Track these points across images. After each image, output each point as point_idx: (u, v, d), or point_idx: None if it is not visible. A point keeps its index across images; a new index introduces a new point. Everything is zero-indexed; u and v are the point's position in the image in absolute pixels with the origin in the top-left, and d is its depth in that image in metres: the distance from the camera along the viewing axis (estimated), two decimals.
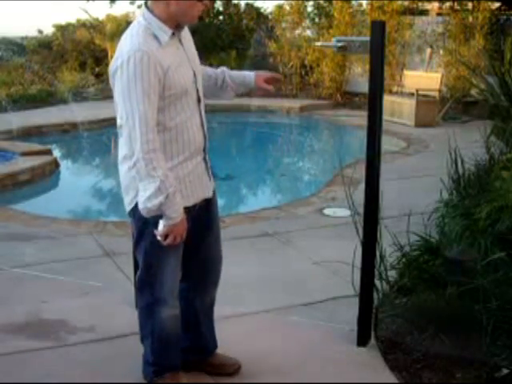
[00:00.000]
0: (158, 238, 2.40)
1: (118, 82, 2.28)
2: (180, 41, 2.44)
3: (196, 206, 2.56)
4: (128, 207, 2.51)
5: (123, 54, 2.27)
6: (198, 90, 2.48)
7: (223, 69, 2.79)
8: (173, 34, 2.37)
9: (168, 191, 2.29)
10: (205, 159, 2.57)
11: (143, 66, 2.23)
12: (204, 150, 2.56)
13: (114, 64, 2.31)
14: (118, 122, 2.42)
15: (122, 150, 2.47)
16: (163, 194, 2.28)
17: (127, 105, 2.26)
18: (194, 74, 2.47)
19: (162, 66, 2.28)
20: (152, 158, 2.27)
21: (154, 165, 2.27)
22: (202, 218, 2.64)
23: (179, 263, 2.60)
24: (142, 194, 2.32)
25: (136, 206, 2.42)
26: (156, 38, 2.32)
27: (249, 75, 2.74)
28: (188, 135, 2.44)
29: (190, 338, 2.82)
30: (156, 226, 2.41)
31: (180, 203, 2.36)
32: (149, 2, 2.39)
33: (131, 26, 2.40)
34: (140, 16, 2.40)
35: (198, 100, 2.49)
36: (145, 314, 2.65)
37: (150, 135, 2.26)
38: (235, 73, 2.77)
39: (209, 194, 2.62)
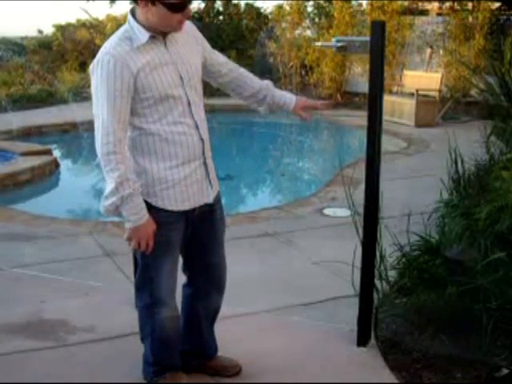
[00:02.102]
0: (126, 241, 2.41)
1: (91, 83, 2.34)
2: (165, 44, 2.42)
3: (195, 211, 2.54)
4: None
5: (96, 57, 2.33)
6: (187, 93, 2.44)
7: (269, 83, 2.75)
8: (153, 37, 2.36)
9: (123, 193, 2.29)
10: (205, 163, 2.54)
11: (109, 70, 2.27)
12: (203, 154, 2.53)
13: (90, 65, 2.37)
14: None
15: None
16: (118, 195, 2.29)
17: (94, 107, 2.32)
18: (181, 77, 2.42)
19: (131, 68, 2.29)
20: (110, 160, 2.29)
21: (111, 166, 2.29)
22: (205, 223, 2.62)
23: (176, 264, 2.60)
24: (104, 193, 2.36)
25: None
26: (130, 40, 2.34)
27: (290, 100, 2.72)
28: (180, 139, 2.42)
29: (191, 342, 2.82)
30: None
31: (140, 207, 2.34)
32: (136, 8, 2.38)
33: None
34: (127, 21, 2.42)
35: (189, 103, 2.45)
36: (144, 315, 2.65)
37: (111, 137, 2.28)
38: (278, 93, 2.74)
39: (209, 200, 2.58)
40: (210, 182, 2.58)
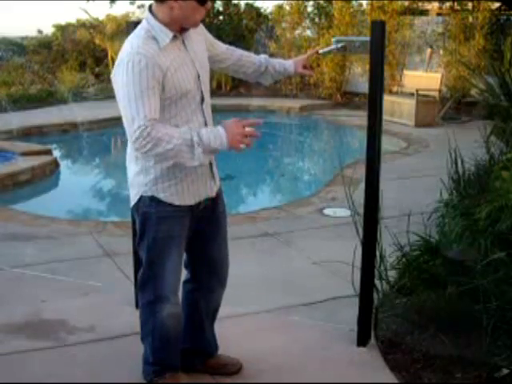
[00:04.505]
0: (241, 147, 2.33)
1: (119, 85, 2.31)
2: (183, 42, 2.46)
3: (200, 205, 2.57)
4: (132, 202, 2.55)
5: (123, 57, 2.31)
6: (202, 91, 2.49)
7: (266, 57, 2.89)
8: (174, 36, 2.39)
9: (192, 141, 2.26)
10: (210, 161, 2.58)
11: (141, 69, 2.26)
12: None
13: (115, 67, 2.35)
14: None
15: (129, 154, 2.53)
16: (193, 147, 2.27)
17: (126, 106, 2.29)
18: (198, 75, 2.47)
19: (161, 67, 2.30)
20: (155, 138, 2.23)
21: (163, 145, 2.24)
22: (208, 217, 2.65)
23: (181, 260, 2.61)
24: (188, 162, 2.31)
25: (139, 201, 2.48)
26: (156, 40, 2.35)
27: (289, 65, 2.86)
28: None
29: (193, 339, 2.83)
30: (159, 221, 2.45)
31: (207, 131, 2.31)
32: (153, 6, 2.41)
33: (136, 29, 2.43)
34: (144, 20, 2.43)
35: (202, 100, 2.49)
36: (146, 312, 2.65)
37: (148, 123, 2.24)
38: (276, 62, 2.88)
39: (212, 194, 2.62)
40: (213, 176, 2.62)
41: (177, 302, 2.63)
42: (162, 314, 2.57)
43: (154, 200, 2.45)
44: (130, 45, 2.33)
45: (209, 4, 2.41)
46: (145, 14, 2.43)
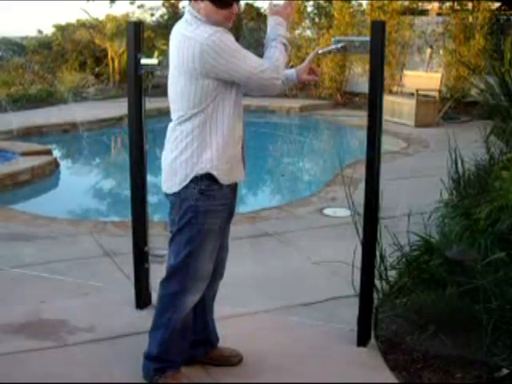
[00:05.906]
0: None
1: (214, 59, 2.41)
2: None
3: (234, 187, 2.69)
4: (175, 188, 2.58)
5: (202, 42, 2.41)
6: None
7: None
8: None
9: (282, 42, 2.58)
10: (242, 147, 2.69)
11: (227, 38, 2.44)
12: (242, 138, 2.68)
13: (187, 52, 2.45)
14: (180, 113, 2.55)
15: (178, 143, 2.57)
16: (284, 44, 2.59)
17: (240, 65, 2.44)
18: None
19: None
20: (274, 63, 2.51)
21: (280, 61, 2.55)
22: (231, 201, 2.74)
23: (215, 257, 2.66)
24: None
25: (183, 188, 2.53)
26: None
27: (291, 73, 2.90)
28: (233, 123, 2.58)
29: (196, 328, 2.84)
30: (206, 214, 2.53)
31: (281, 29, 2.62)
32: (191, 4, 2.54)
33: (184, 24, 2.53)
34: (188, 15, 2.54)
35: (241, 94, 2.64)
36: (167, 303, 2.67)
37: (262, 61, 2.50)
38: None
39: (244, 177, 2.74)
40: (244, 162, 2.73)
41: (200, 296, 2.67)
42: (184, 306, 2.62)
43: (211, 180, 2.52)
44: (201, 31, 2.44)
45: (234, 8, 2.51)
46: (186, 10, 2.56)
